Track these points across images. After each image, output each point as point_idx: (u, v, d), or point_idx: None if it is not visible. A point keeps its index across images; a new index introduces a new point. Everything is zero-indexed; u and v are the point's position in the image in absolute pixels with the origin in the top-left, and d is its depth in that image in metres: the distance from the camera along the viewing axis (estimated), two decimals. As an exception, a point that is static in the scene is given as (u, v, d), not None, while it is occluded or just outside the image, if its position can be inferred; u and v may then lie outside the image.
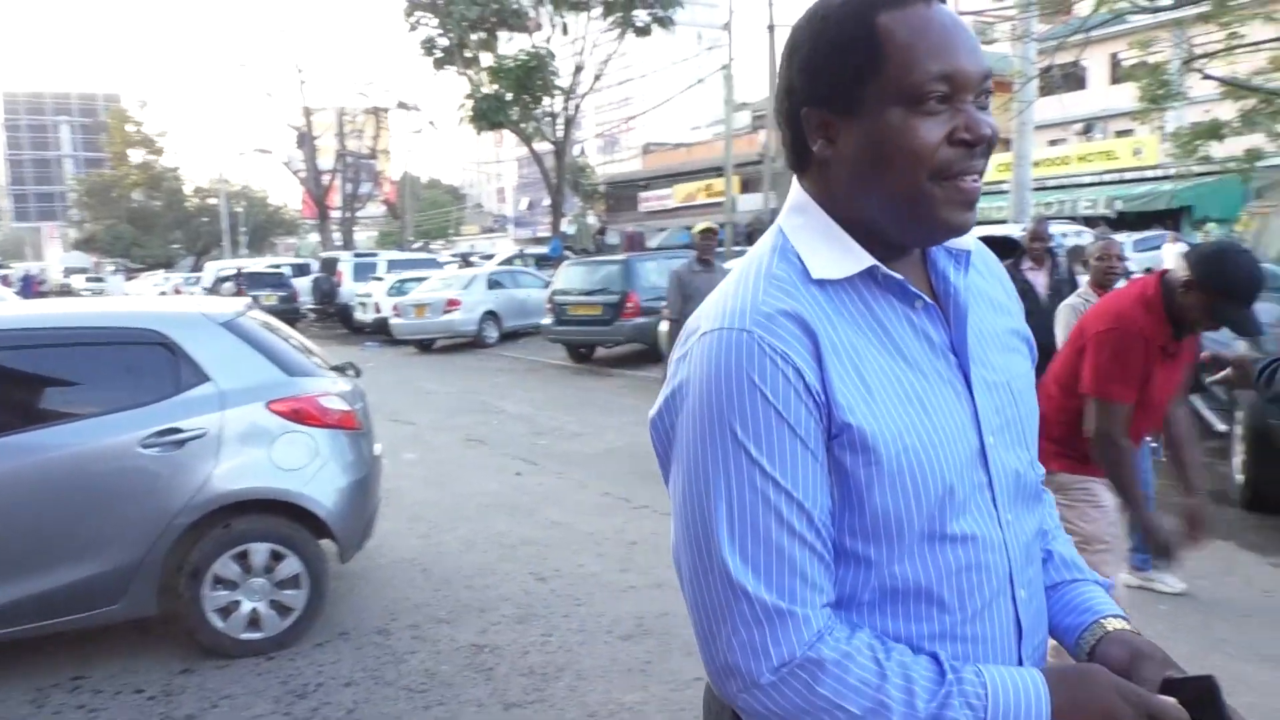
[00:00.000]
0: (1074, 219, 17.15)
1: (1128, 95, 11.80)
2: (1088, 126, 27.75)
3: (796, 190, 1.17)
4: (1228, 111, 11.40)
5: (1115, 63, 25.41)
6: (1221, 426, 6.94)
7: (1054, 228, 9.73)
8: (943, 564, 1.09)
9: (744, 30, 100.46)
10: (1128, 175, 25.50)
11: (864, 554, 1.08)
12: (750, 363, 1.04)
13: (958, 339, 1.14)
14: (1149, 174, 23.08)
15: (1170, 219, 24.44)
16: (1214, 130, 10.96)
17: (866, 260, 1.10)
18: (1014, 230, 9.65)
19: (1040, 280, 6.64)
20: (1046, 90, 12.39)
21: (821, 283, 1.10)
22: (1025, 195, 12.64)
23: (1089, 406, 3.12)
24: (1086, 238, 10.62)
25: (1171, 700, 1.04)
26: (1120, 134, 26.88)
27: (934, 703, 1.02)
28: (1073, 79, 26.62)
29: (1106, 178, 26.18)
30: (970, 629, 1.11)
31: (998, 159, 25.73)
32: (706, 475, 1.06)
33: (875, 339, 1.10)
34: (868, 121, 1.06)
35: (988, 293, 1.23)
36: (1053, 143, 28.54)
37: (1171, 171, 13.38)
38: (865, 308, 1.11)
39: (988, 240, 8.48)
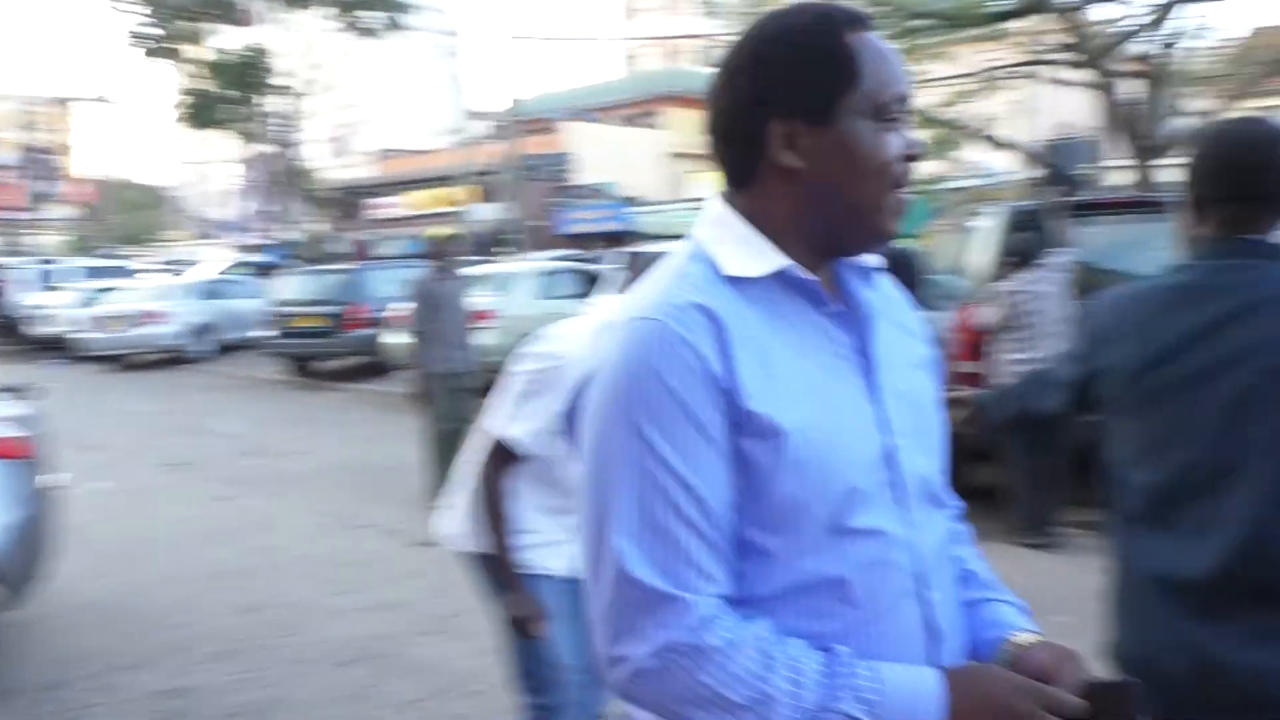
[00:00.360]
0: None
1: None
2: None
3: (716, 205, 1.20)
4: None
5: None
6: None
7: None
8: (849, 557, 1.10)
9: (480, 39, 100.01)
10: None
11: (769, 546, 1.09)
12: (657, 351, 1.07)
13: (867, 344, 1.18)
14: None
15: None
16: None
17: (780, 261, 1.13)
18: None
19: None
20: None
21: (733, 280, 1.13)
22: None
23: None
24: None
25: (1065, 693, 1.05)
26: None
27: (822, 695, 1.02)
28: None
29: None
30: (877, 627, 1.11)
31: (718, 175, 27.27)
32: (607, 463, 1.09)
33: (783, 336, 1.13)
34: (840, 133, 1.12)
35: (892, 313, 1.25)
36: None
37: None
38: (775, 307, 1.14)
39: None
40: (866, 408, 1.14)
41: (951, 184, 14.88)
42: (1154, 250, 6.36)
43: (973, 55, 11.68)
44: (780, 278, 1.14)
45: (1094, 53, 9.18)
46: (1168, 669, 1.57)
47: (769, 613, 1.09)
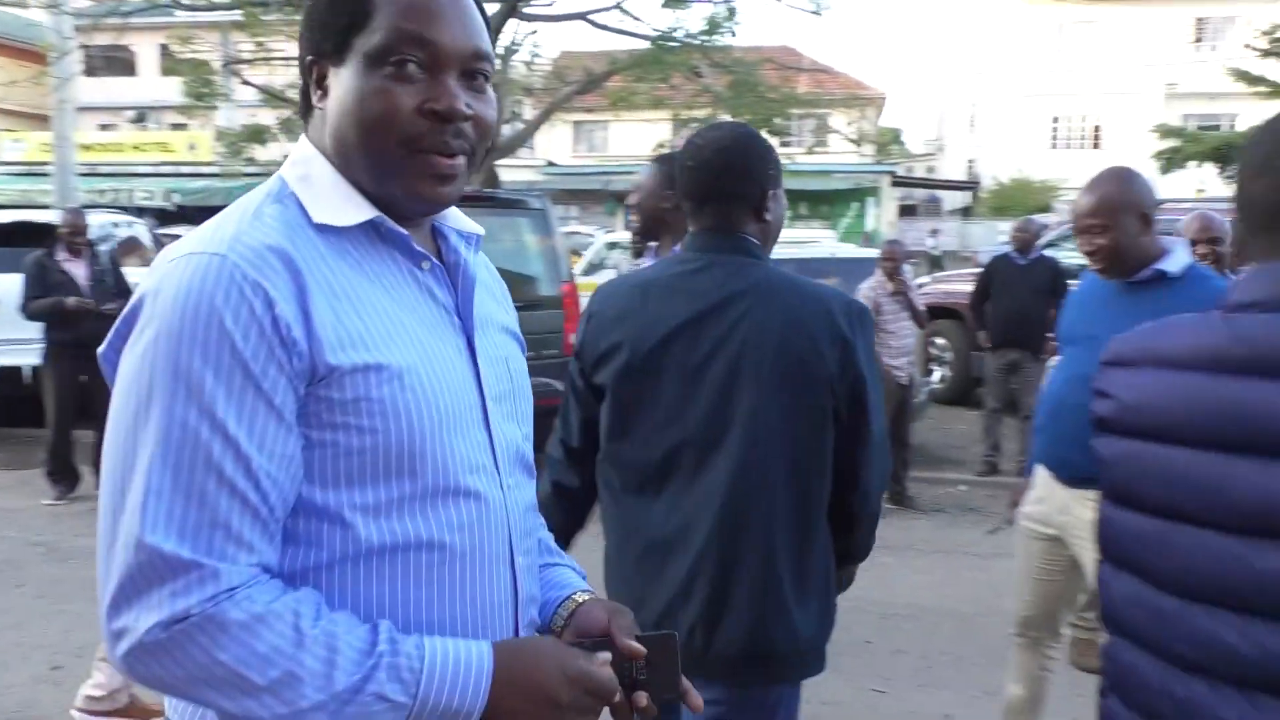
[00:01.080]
0: (129, 209, 16.61)
1: (178, 88, 11.81)
2: (140, 115, 27.14)
3: (303, 141, 1.11)
4: (270, 118, 12.28)
5: (165, 53, 25.34)
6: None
7: (103, 217, 9.25)
8: (449, 519, 1.05)
9: None
10: (184, 169, 25.74)
11: (348, 507, 1.00)
12: (218, 290, 0.94)
13: (464, 304, 1.13)
14: (205, 169, 23.61)
15: (229, 214, 25.44)
16: (257, 134, 11.71)
17: (369, 212, 1.06)
18: (56, 216, 8.86)
19: (80, 271, 6.23)
20: (89, 71, 11.64)
21: (322, 229, 1.04)
22: (69, 179, 11.74)
23: None
24: (139, 228, 10.35)
25: (610, 672, 1.07)
26: (175, 127, 26.95)
27: (357, 675, 0.94)
28: (121, 64, 25.74)
29: (163, 169, 26.01)
30: (471, 592, 1.07)
31: (41, 138, 23.50)
32: (141, 408, 0.94)
33: (379, 287, 1.05)
34: (346, 75, 1.03)
35: (488, 284, 1.23)
36: (104, 127, 27.21)
37: (223, 170, 13.94)
38: (369, 258, 1.07)
39: (25, 225, 7.60)
40: (464, 365, 1.10)
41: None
42: (495, 242, 7.20)
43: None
44: (373, 228, 1.07)
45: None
46: (679, 621, 1.76)
47: (333, 583, 1.00)
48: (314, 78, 1.08)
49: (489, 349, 1.16)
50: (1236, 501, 1.12)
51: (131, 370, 0.96)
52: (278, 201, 1.05)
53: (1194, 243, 2.85)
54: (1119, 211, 2.47)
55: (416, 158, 1.03)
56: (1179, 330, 1.25)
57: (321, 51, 1.06)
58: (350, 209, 1.05)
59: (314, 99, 1.09)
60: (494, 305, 1.23)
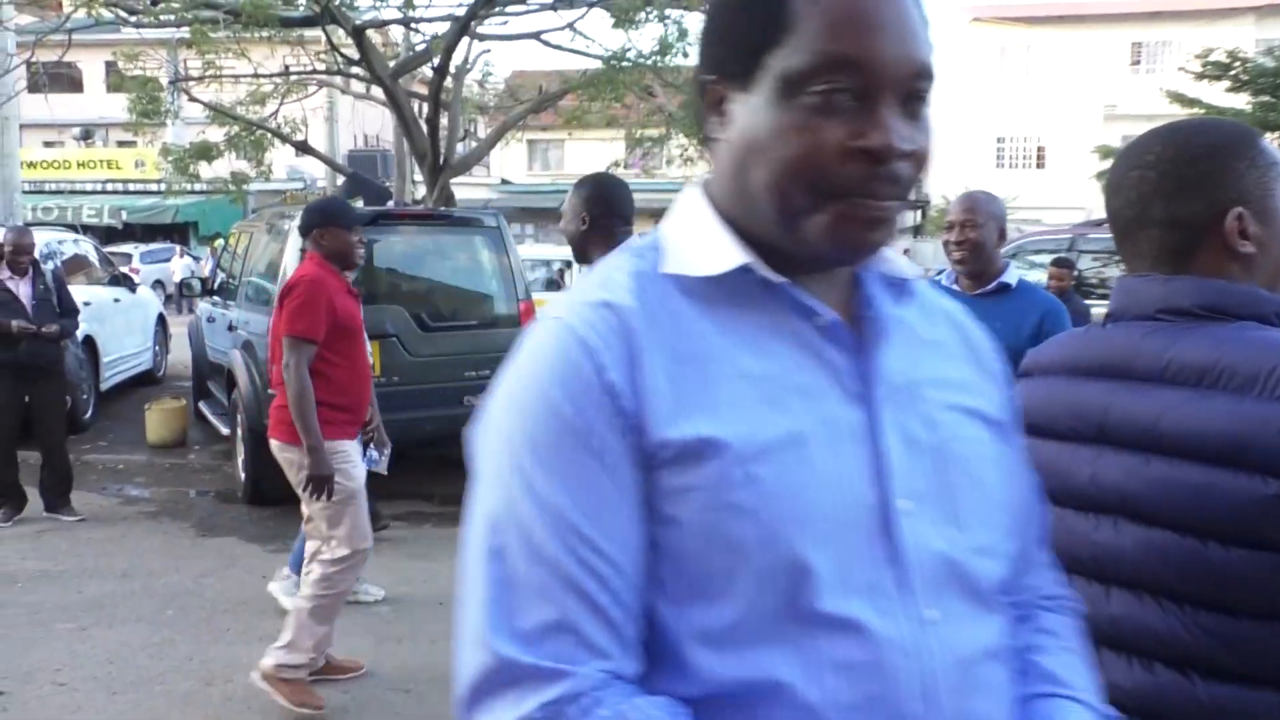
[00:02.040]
0: (75, 226, 16.32)
1: (124, 106, 11.66)
2: (87, 132, 26.69)
3: (691, 190, 0.96)
4: (218, 136, 12.16)
5: (111, 70, 24.98)
6: (225, 430, 7.38)
7: (48, 235, 9.10)
8: (809, 656, 0.80)
9: None
10: (132, 186, 25.36)
11: (687, 625, 0.82)
12: (551, 356, 0.84)
13: (868, 367, 0.88)
14: (153, 186, 23.29)
15: (178, 232, 25.13)
16: (204, 151, 11.59)
17: (739, 258, 0.87)
18: (-1, 236, 8.70)
19: (24, 290, 6.12)
20: (34, 87, 11.45)
21: (678, 280, 0.88)
22: (14, 197, 11.52)
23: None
24: (85, 246, 10.19)
25: None
26: (122, 144, 26.54)
27: None
28: (67, 80, 25.29)
29: (110, 186, 25.59)
30: None
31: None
32: (480, 490, 0.86)
33: (735, 346, 0.85)
34: (756, 102, 0.85)
35: (938, 339, 0.96)
36: (49, 144, 26.72)
37: (170, 187, 13.78)
38: (730, 311, 0.87)
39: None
40: (853, 452, 0.85)
41: (262, 185, 14.69)
42: (450, 260, 7.21)
43: (271, 57, 11.70)
44: (746, 277, 0.87)
45: (384, 72, 9.84)
46: None
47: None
48: (712, 101, 0.89)
49: (913, 428, 0.88)
50: (1079, 485, 1.31)
51: (480, 457, 0.87)
52: (639, 251, 0.92)
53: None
54: (990, 217, 2.94)
55: (838, 203, 0.84)
56: (1059, 342, 1.47)
57: (726, 72, 0.87)
58: (716, 255, 0.88)
59: (711, 128, 0.90)
60: (948, 370, 0.95)
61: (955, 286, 3.07)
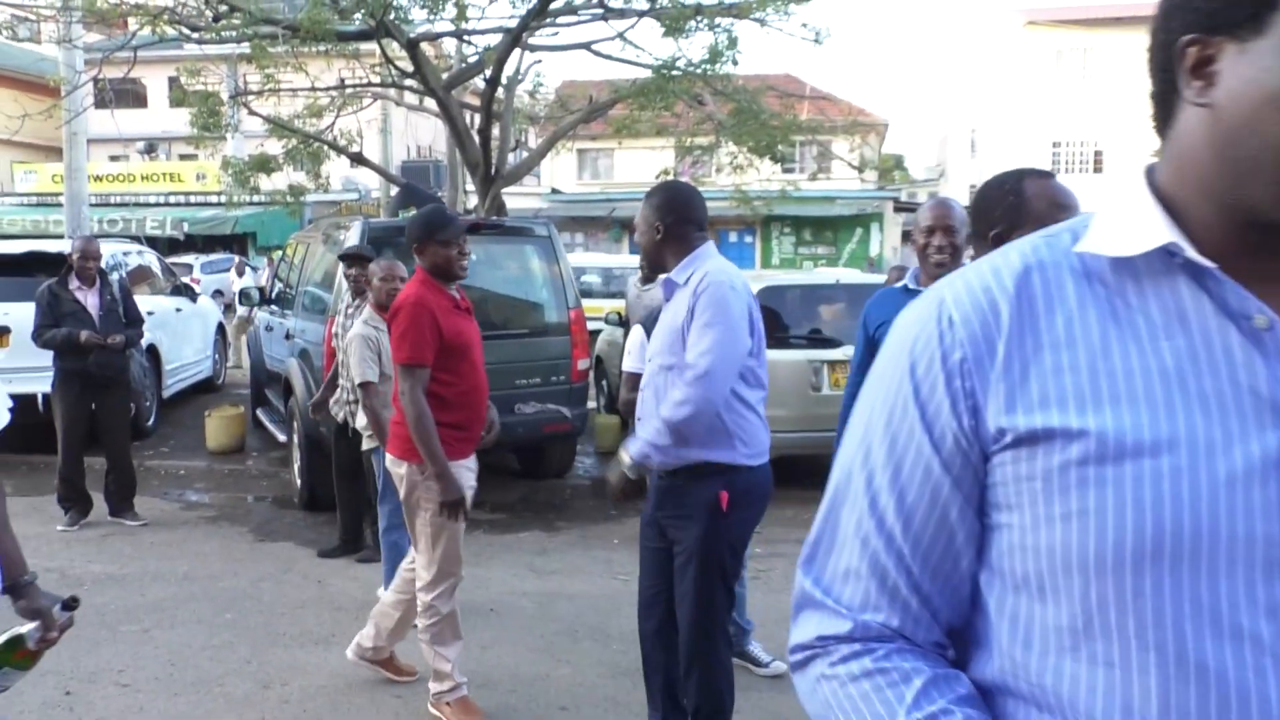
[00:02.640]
0: (139, 238, 16.76)
1: (186, 120, 11.96)
2: (150, 146, 27.42)
3: (1137, 170, 0.88)
4: (275, 148, 12.41)
5: (174, 85, 25.66)
6: (282, 437, 7.51)
7: (114, 246, 9.36)
8: (1137, 690, 0.74)
9: None
10: (193, 198, 25.97)
11: (1014, 628, 0.82)
12: (917, 331, 0.86)
13: None
14: (213, 199, 23.84)
15: (237, 243, 25.68)
16: (263, 164, 11.83)
17: (1163, 236, 0.79)
18: (68, 246, 8.98)
19: (92, 300, 6.30)
20: (100, 103, 11.80)
21: (1086, 260, 0.83)
22: (81, 210, 11.86)
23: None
24: (149, 257, 10.46)
25: None
26: (184, 157, 27.21)
27: None
28: (132, 96, 26.03)
29: (172, 199, 26.24)
30: None
31: (54, 170, 23.71)
32: (844, 441, 0.93)
33: (1130, 340, 0.79)
34: (1266, 52, 0.74)
35: None
36: (114, 158, 27.49)
37: (231, 199, 14.10)
38: (1140, 298, 0.80)
39: (37, 255, 7.67)
40: (1266, 476, 0.74)
41: (318, 196, 14.95)
42: (501, 270, 7.27)
43: (327, 71, 11.90)
44: (1167, 261, 0.79)
45: (437, 83, 9.96)
46: None
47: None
48: (1193, 65, 0.79)
49: None
50: None
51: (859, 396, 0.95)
52: (1055, 231, 0.88)
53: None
54: (964, 222, 2.98)
55: None
56: None
57: (1215, 25, 0.77)
58: (1139, 233, 0.80)
59: (1188, 92, 0.79)
60: None
61: (923, 288, 3.07)
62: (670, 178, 13.21)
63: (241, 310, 12.28)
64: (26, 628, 1.96)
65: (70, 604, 1.99)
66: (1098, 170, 31.45)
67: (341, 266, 5.83)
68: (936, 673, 0.84)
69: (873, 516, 0.87)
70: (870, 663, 0.85)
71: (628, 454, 2.93)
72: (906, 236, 25.67)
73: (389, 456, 3.72)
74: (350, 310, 5.65)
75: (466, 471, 3.68)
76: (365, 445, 5.03)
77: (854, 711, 0.85)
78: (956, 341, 0.82)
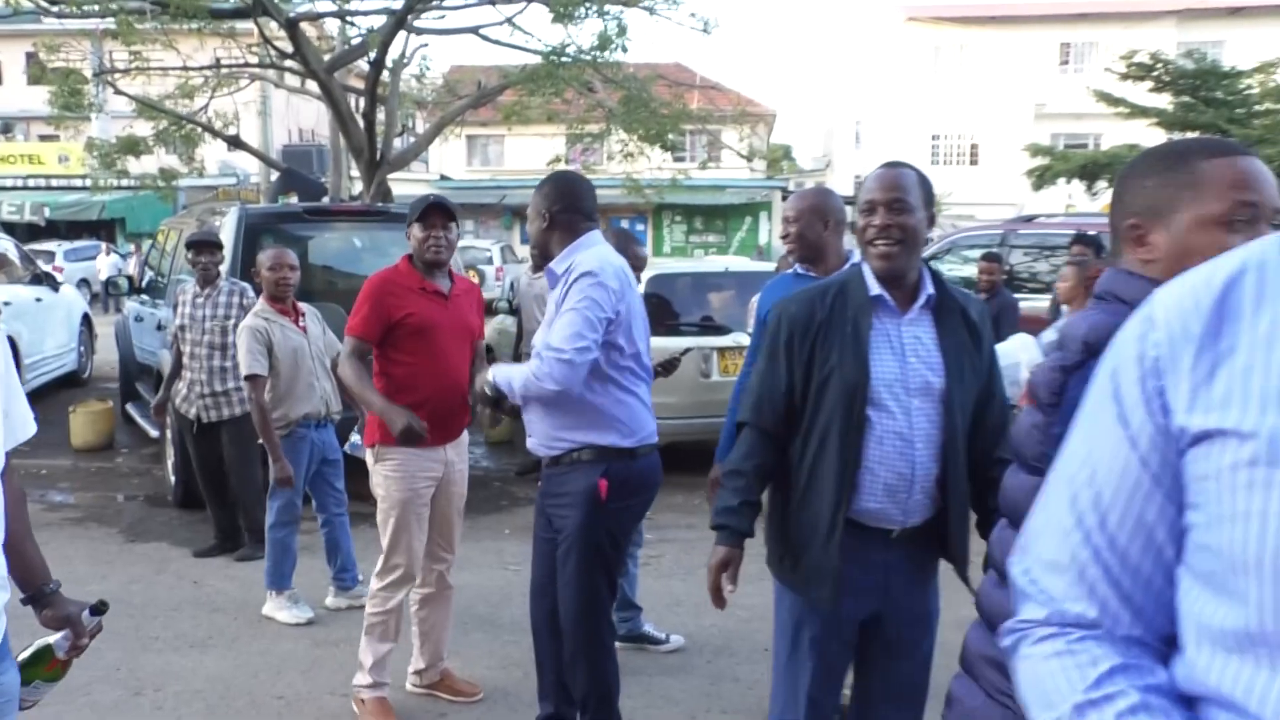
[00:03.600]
0: (-5, 224, 15.77)
1: (46, 98, 11.27)
2: (6, 126, 25.79)
3: None
4: (146, 129, 11.83)
5: (32, 61, 24.17)
6: (154, 433, 7.18)
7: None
8: None
9: None
10: (55, 182, 24.55)
11: (1205, 629, 0.81)
12: (1131, 323, 0.88)
13: None
14: (77, 182, 22.60)
15: (104, 229, 24.41)
16: (132, 146, 11.26)
17: None
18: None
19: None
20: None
21: None
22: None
23: None
24: (6, 243, 9.84)
25: None
26: (44, 138, 25.69)
27: None
28: (-18, 72, 24.42)
29: (31, 182, 24.75)
30: None
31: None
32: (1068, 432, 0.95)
33: None
34: None
35: None
36: (-34, 139, 25.77)
37: (97, 183, 13.34)
38: None
39: None
40: None
41: (193, 181, 14.32)
42: (387, 257, 7.08)
43: (200, 49, 11.39)
44: None
45: (319, 65, 9.65)
46: None
47: None
48: None
49: None
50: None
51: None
52: None
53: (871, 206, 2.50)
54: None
55: None
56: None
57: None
58: None
59: None
60: None
61: (814, 274, 3.10)
62: (561, 165, 13.15)
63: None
64: (54, 637, 1.94)
65: (99, 608, 1.95)
66: (973, 163, 32.69)
67: (188, 254, 5.57)
68: (1128, 661, 0.85)
69: (1072, 512, 0.90)
70: (1063, 644, 0.88)
71: (490, 374, 2.96)
72: (794, 226, 26.21)
73: (366, 450, 3.61)
74: (198, 300, 5.41)
75: (430, 463, 3.56)
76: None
77: (1038, 685, 0.89)
78: (1154, 341, 0.84)
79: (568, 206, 2.98)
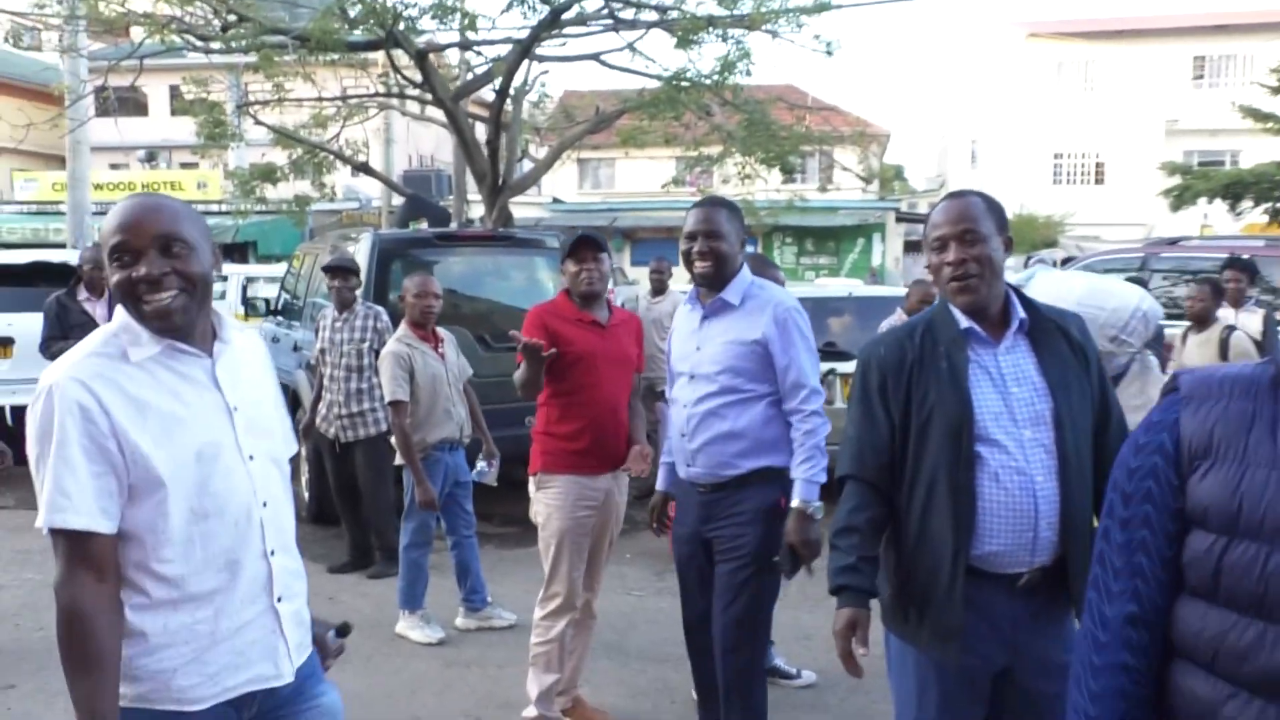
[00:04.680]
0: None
1: (188, 128, 11.92)
2: (151, 155, 27.38)
3: None
4: (280, 157, 12.38)
5: (175, 94, 25.59)
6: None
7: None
8: None
9: None
10: (195, 207, 25.89)
11: None
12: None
13: None
14: (215, 208, 23.79)
15: (238, 252, 25.61)
16: (269, 173, 11.79)
17: None
18: (73, 256, 8.92)
19: (100, 311, 6.24)
20: (103, 111, 11.76)
21: None
22: (84, 219, 11.83)
23: None
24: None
25: None
26: (185, 165, 27.18)
27: None
28: (133, 104, 26.01)
29: (172, 208, 26.12)
30: None
31: (54, 178, 23.68)
32: None
33: None
34: None
35: None
36: (114, 166, 27.46)
37: (238, 208, 14.08)
38: None
39: (42, 265, 7.59)
40: None
41: (320, 205, 14.90)
42: (508, 281, 7.21)
43: (332, 80, 11.86)
44: None
45: (446, 94, 9.92)
46: None
47: None
48: None
49: None
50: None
51: None
52: None
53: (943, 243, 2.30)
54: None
55: None
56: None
57: None
58: None
59: None
60: None
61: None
62: (675, 188, 13.18)
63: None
64: None
65: (343, 630, 2.03)
66: (1099, 182, 31.48)
67: (325, 279, 5.75)
68: None
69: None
70: None
71: (804, 504, 2.93)
72: (909, 247, 25.69)
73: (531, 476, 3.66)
74: (337, 324, 5.57)
75: (592, 491, 3.57)
76: (398, 460, 4.93)
77: None
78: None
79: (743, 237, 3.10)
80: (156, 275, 1.63)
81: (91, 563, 1.60)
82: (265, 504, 1.77)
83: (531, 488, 3.62)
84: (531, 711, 3.64)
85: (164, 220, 1.67)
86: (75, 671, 1.57)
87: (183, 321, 1.69)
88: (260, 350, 1.94)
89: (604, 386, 3.55)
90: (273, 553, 1.77)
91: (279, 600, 1.78)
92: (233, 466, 1.72)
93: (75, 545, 1.60)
